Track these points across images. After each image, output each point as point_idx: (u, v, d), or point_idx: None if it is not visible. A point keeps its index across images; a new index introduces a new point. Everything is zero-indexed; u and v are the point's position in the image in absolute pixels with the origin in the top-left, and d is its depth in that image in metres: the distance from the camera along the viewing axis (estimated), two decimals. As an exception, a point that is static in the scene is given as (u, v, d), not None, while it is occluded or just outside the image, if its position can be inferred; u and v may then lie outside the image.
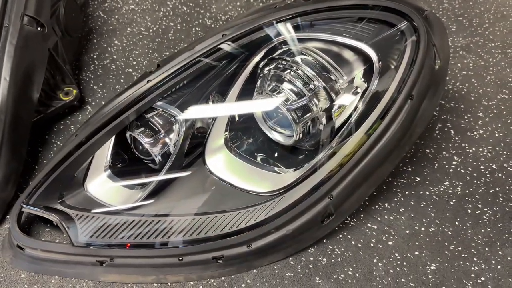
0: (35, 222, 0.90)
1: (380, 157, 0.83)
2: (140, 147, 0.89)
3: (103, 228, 0.82)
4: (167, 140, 0.87)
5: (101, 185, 0.89)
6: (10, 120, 0.90)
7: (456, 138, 1.04)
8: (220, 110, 0.92)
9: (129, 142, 0.91)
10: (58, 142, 1.05)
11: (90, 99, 1.15)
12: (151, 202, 0.86)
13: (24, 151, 0.96)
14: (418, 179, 0.97)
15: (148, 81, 0.87)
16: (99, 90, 1.17)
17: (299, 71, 0.82)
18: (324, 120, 0.84)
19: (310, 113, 0.82)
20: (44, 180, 0.86)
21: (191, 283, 0.81)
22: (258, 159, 0.90)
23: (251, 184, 0.86)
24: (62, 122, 1.10)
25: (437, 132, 1.05)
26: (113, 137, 0.89)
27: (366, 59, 0.85)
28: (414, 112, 0.84)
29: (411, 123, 0.84)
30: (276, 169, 0.87)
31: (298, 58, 0.84)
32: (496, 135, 1.05)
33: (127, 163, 0.93)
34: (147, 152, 0.88)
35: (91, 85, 1.18)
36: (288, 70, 0.83)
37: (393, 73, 0.83)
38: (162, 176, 0.87)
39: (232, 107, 0.91)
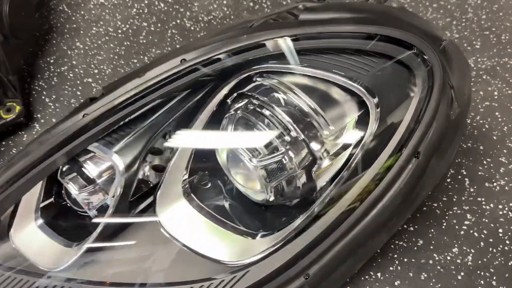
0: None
1: (372, 228, 0.65)
2: (73, 196, 0.72)
3: (26, 295, 0.67)
4: (103, 191, 0.69)
5: (30, 237, 0.73)
6: None
7: (471, 190, 0.85)
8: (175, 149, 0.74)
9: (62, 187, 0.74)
10: (-5, 169, 0.89)
11: (39, 115, 0.98)
12: (85, 264, 0.69)
13: None
14: (421, 242, 0.80)
15: (84, 115, 0.69)
16: (51, 104, 0.99)
17: (273, 117, 0.64)
18: (303, 179, 0.66)
19: (284, 172, 0.64)
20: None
21: None
22: (223, 215, 0.72)
23: (211, 248, 0.69)
24: (3, 143, 0.94)
25: (448, 180, 0.86)
26: (44, 180, 0.73)
27: (361, 103, 0.66)
28: (420, 173, 0.66)
29: (415, 186, 0.66)
30: (244, 230, 0.70)
31: (273, 98, 0.65)
32: (521, 188, 0.86)
33: (64, 210, 0.76)
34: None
35: (43, 97, 1.00)
36: (259, 115, 0.65)
37: (395, 122, 0.64)
38: (99, 233, 0.70)
39: (188, 149, 0.73)
